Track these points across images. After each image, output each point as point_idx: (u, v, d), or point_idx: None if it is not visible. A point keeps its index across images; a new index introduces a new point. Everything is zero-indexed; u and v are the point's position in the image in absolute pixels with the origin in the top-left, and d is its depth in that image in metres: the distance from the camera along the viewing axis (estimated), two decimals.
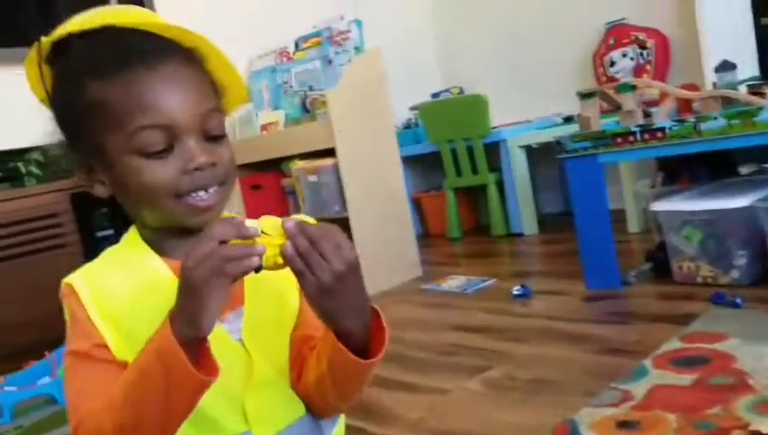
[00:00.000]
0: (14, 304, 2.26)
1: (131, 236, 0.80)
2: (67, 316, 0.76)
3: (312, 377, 0.77)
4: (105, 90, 0.71)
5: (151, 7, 2.85)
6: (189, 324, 0.64)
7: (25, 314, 2.25)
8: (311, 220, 0.73)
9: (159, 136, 0.70)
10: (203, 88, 0.75)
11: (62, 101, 0.76)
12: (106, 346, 0.72)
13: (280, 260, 0.67)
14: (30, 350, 2.11)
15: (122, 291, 0.75)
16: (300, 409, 0.80)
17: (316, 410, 0.81)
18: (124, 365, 0.72)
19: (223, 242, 0.64)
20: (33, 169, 2.42)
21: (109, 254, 0.81)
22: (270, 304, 0.80)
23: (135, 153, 0.71)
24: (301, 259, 0.66)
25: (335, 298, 0.68)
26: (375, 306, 0.73)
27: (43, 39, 0.75)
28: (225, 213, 0.80)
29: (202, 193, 0.73)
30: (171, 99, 0.71)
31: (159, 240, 0.78)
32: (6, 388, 1.92)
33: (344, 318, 0.70)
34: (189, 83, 0.73)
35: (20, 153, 2.45)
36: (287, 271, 0.67)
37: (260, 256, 0.65)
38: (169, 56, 0.72)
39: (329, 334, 0.71)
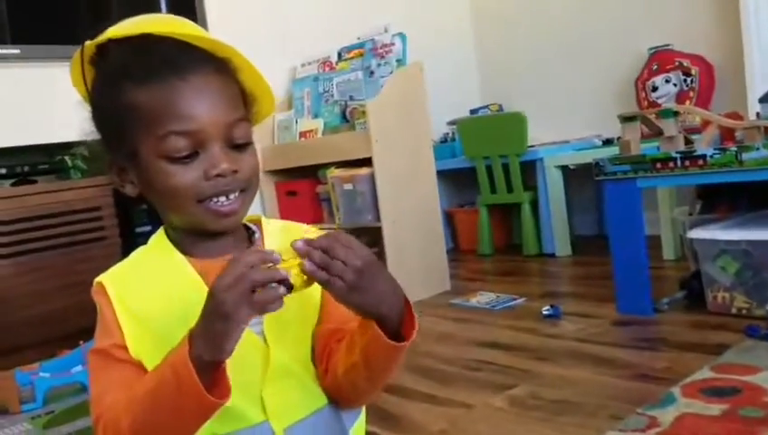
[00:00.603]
0: (54, 292, 2.32)
1: (158, 237, 0.84)
2: (98, 313, 0.80)
3: (343, 367, 0.79)
4: (139, 94, 0.74)
5: (202, 14, 2.91)
6: (213, 348, 0.66)
7: (64, 303, 2.31)
8: (313, 230, 0.77)
9: (185, 142, 0.74)
10: (232, 98, 0.78)
11: (100, 101, 0.80)
12: (124, 347, 0.76)
13: (305, 277, 0.70)
14: (66, 338, 2.16)
15: (149, 290, 0.78)
16: (320, 400, 0.82)
17: (343, 401, 0.83)
18: (140, 364, 0.75)
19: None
20: (79, 163, 2.48)
21: (137, 254, 0.84)
22: (292, 299, 0.82)
23: (162, 157, 0.74)
24: (322, 271, 0.69)
25: (364, 292, 0.70)
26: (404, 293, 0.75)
27: (87, 42, 0.80)
28: (252, 214, 0.84)
29: (223, 199, 0.76)
30: (199, 107, 0.74)
31: (185, 240, 0.81)
32: (41, 374, 1.97)
33: (377, 307, 0.72)
34: (218, 93, 0.76)
35: (67, 147, 2.52)
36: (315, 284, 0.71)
37: (285, 280, 0.67)
38: (201, 66, 0.76)
39: (365, 324, 0.74)
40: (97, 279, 0.80)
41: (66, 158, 2.51)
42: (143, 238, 0.85)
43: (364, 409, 0.89)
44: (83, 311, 2.32)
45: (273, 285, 0.66)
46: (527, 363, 1.83)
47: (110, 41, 0.79)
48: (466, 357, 1.95)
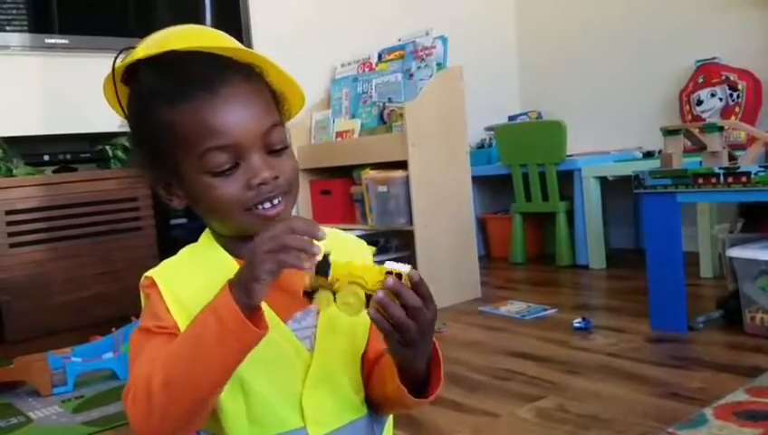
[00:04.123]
0: (89, 279, 2.36)
1: (206, 236, 0.85)
2: (143, 303, 0.81)
3: (378, 393, 0.83)
4: (172, 114, 0.75)
5: (246, 16, 2.94)
6: (245, 292, 0.68)
7: (98, 290, 2.34)
8: (365, 246, 0.79)
9: (225, 156, 0.75)
10: (263, 104, 0.78)
11: (137, 122, 0.81)
12: (172, 332, 0.76)
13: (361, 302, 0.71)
14: (99, 325, 2.20)
15: (199, 287, 0.78)
16: (357, 412, 0.83)
17: (384, 412, 0.86)
18: None
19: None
20: (119, 154, 2.52)
21: (188, 251, 0.85)
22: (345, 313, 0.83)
23: (205, 173, 0.75)
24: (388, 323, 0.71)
25: (414, 348, 0.73)
26: (435, 341, 0.77)
27: (117, 64, 0.80)
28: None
29: (268, 204, 0.77)
30: (233, 120, 0.74)
31: (232, 243, 0.82)
32: (73, 358, 2.01)
33: (415, 361, 0.75)
34: (249, 101, 0.76)
35: (109, 137, 2.56)
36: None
37: (314, 255, 0.68)
38: (228, 76, 0.76)
39: (393, 372, 0.77)
40: (147, 274, 0.81)
41: (107, 148, 2.55)
42: (178, 230, 0.86)
43: (391, 417, 0.90)
44: (117, 299, 2.37)
45: (303, 255, 0.67)
46: (556, 376, 1.80)
47: (139, 61, 0.79)
48: (494, 366, 1.93)
